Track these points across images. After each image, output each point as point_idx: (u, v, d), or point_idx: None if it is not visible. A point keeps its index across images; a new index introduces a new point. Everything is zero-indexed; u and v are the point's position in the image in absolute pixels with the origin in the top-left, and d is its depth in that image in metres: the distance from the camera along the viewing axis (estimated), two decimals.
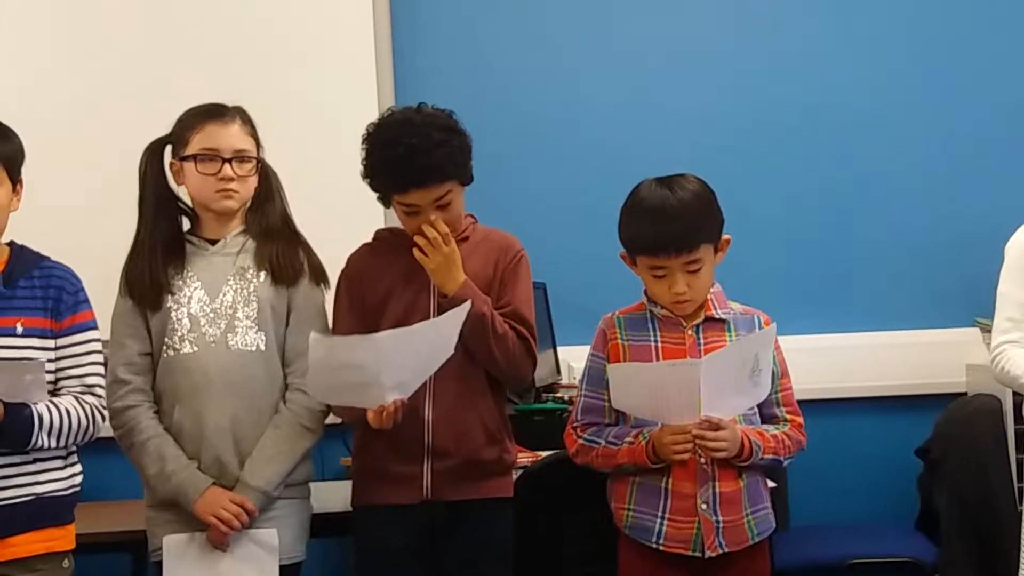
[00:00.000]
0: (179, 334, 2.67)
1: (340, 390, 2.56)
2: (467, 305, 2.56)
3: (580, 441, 2.68)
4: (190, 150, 2.69)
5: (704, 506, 2.56)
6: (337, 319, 2.76)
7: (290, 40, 3.89)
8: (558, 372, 3.76)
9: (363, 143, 2.70)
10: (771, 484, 2.77)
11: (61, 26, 3.84)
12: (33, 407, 2.44)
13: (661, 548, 2.58)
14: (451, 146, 2.65)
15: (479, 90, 3.94)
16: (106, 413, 2.60)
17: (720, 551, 2.57)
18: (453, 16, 4.07)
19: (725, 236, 2.67)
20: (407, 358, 2.53)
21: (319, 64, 3.88)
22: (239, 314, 2.69)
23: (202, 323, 2.68)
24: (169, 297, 2.69)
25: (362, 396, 2.56)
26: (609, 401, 2.67)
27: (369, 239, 2.83)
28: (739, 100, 4.07)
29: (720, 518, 2.57)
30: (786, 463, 2.72)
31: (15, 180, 2.54)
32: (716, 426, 2.52)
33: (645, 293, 2.71)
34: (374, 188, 2.72)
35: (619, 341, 2.68)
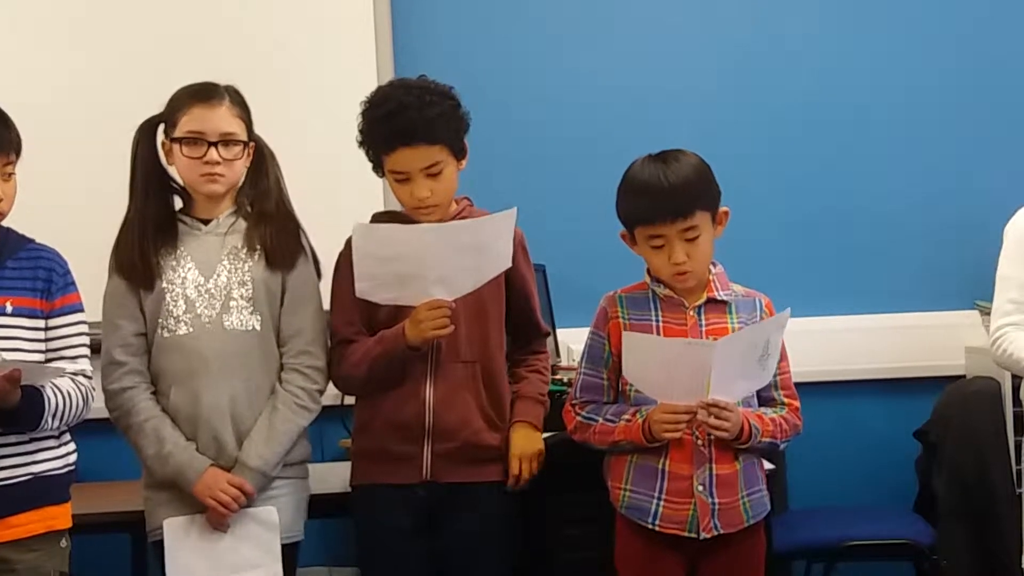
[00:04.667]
0: (174, 315, 2.67)
1: (383, 282, 2.60)
2: (513, 211, 2.59)
3: (578, 418, 2.69)
4: (178, 132, 2.68)
5: (700, 487, 2.57)
6: (337, 298, 2.75)
7: (289, 23, 3.88)
8: (557, 354, 3.76)
9: (360, 111, 2.71)
10: (769, 467, 2.77)
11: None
12: (42, 390, 2.45)
13: (657, 529, 2.58)
14: (443, 108, 2.65)
15: (479, 71, 3.93)
16: (95, 394, 2.60)
17: (715, 533, 2.57)
18: None
19: (723, 208, 2.66)
20: (451, 252, 2.57)
21: (319, 49, 3.87)
22: (234, 294, 2.68)
23: (197, 304, 2.67)
24: (163, 277, 2.68)
25: (405, 290, 2.60)
26: (608, 380, 2.68)
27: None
28: (741, 82, 4.06)
29: (716, 500, 2.57)
30: (782, 447, 2.72)
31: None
32: (723, 407, 2.52)
33: (648, 272, 2.71)
34: (367, 151, 2.72)
35: (620, 319, 2.68)
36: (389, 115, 2.64)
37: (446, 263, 2.58)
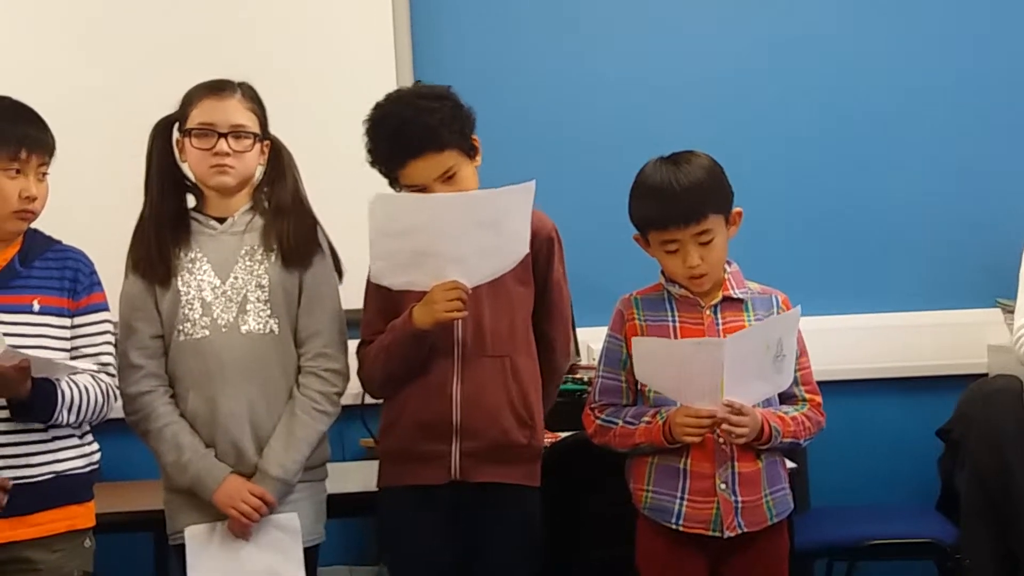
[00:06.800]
0: (191, 319, 2.65)
1: (398, 262, 2.54)
2: (531, 185, 2.55)
3: (598, 422, 2.68)
4: (189, 124, 2.66)
5: (723, 486, 2.56)
6: (365, 307, 2.73)
7: (307, 22, 3.90)
8: (577, 353, 3.75)
9: (364, 130, 2.68)
10: (791, 465, 2.77)
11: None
12: (57, 383, 2.46)
13: (680, 529, 2.58)
14: (443, 112, 2.61)
15: (497, 70, 3.94)
16: (118, 392, 2.61)
17: (739, 531, 2.57)
18: None
19: (736, 209, 2.65)
20: (468, 227, 2.52)
21: (338, 48, 3.89)
22: (251, 297, 2.66)
23: (214, 307, 2.65)
24: (179, 279, 2.66)
25: (420, 270, 2.54)
26: (626, 382, 2.67)
27: None
28: (758, 84, 4.06)
29: (739, 498, 2.57)
30: (805, 444, 2.71)
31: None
32: (738, 411, 2.51)
33: (662, 273, 2.70)
34: (379, 170, 2.69)
35: (636, 322, 2.67)
36: (392, 132, 2.61)
37: (463, 239, 2.52)
